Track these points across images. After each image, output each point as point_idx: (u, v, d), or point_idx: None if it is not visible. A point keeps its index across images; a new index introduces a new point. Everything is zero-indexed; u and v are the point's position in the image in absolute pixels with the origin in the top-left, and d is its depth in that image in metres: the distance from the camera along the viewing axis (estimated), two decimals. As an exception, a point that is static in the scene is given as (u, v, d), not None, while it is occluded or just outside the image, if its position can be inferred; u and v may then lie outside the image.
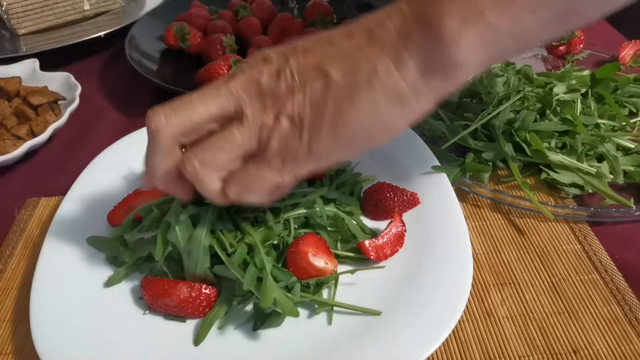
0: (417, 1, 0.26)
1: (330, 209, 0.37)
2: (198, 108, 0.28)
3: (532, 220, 0.41)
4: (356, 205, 0.40)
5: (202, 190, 0.29)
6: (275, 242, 0.35)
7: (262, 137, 0.27)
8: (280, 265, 0.34)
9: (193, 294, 0.33)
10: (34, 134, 0.52)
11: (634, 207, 0.40)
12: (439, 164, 0.42)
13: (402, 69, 0.26)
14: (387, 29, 0.26)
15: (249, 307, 0.34)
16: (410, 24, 0.26)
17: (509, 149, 0.44)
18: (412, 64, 0.25)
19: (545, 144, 0.45)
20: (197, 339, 0.32)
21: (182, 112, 0.28)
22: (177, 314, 0.33)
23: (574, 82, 0.51)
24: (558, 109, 0.47)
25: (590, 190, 0.42)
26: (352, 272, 0.35)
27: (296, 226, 0.36)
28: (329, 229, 0.37)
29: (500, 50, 0.26)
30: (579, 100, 0.48)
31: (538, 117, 0.47)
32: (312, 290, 0.34)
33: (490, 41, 0.25)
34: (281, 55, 0.28)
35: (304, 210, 0.36)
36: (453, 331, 0.33)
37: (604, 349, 0.32)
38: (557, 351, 0.32)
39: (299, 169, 0.28)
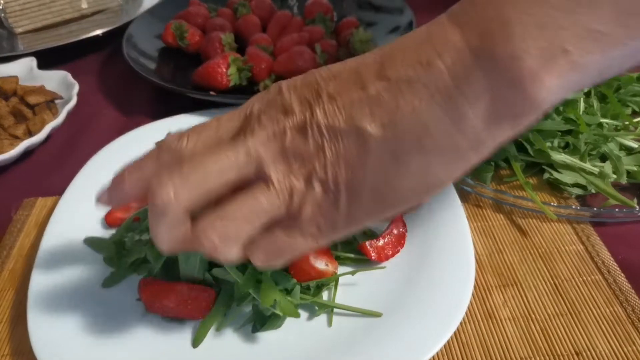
0: (475, 32, 0.20)
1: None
2: (212, 175, 0.23)
3: (534, 220, 0.41)
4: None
5: (220, 260, 0.25)
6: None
7: (292, 204, 0.23)
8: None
9: (191, 296, 0.33)
10: (31, 134, 0.52)
11: (637, 207, 0.40)
12: (440, 164, 0.42)
13: (460, 122, 0.21)
14: (435, 70, 0.21)
15: (248, 309, 0.33)
16: (469, 64, 0.20)
17: (511, 148, 0.44)
18: (473, 115, 0.20)
19: (548, 144, 0.44)
20: (196, 341, 0.32)
21: (193, 182, 0.23)
22: (175, 316, 0.33)
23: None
24: (561, 108, 0.47)
25: (593, 191, 0.42)
26: (352, 273, 0.34)
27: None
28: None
29: (578, 87, 0.21)
30: (581, 99, 0.48)
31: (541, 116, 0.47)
32: (312, 292, 0.33)
33: (572, 80, 0.20)
34: (304, 104, 0.23)
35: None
36: (455, 333, 0.32)
37: (607, 351, 0.31)
38: (559, 353, 0.31)
39: (337, 235, 0.24)
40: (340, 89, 0.23)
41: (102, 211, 0.40)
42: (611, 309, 0.34)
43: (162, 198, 0.23)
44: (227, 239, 0.24)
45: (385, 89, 0.22)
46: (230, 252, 0.24)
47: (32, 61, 0.61)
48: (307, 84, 0.24)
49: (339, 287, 0.34)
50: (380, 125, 0.21)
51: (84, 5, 0.76)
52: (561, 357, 0.31)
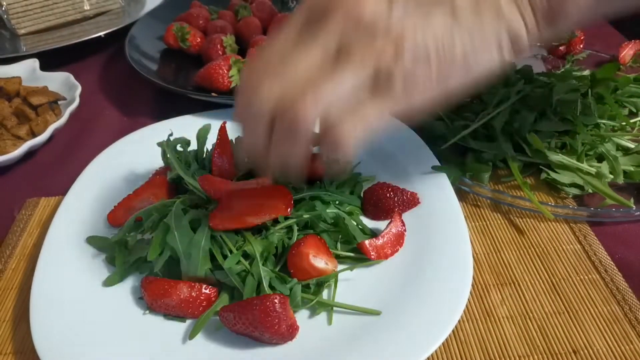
0: None
1: (331, 210, 0.37)
2: (339, 86, 0.26)
3: (532, 220, 0.41)
4: (356, 204, 0.40)
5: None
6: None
7: (380, 68, 0.26)
8: (280, 266, 0.34)
9: (193, 294, 0.33)
10: (34, 134, 0.52)
11: (634, 207, 0.40)
12: (439, 164, 0.42)
13: (522, 5, 0.27)
14: None
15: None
16: None
17: (508, 148, 0.44)
18: (528, 4, 0.27)
19: (545, 144, 0.45)
20: (192, 333, 0.32)
21: (325, 91, 0.26)
22: (177, 314, 0.33)
23: (574, 82, 0.51)
24: (558, 108, 0.47)
25: (590, 190, 0.42)
26: (350, 268, 0.35)
27: (298, 228, 0.36)
28: (329, 229, 0.37)
29: (595, 14, 0.29)
30: (579, 100, 0.48)
31: (538, 117, 0.47)
32: (312, 291, 0.34)
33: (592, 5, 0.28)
34: None
35: (307, 215, 0.36)
36: (453, 331, 0.33)
37: (604, 349, 0.32)
38: (557, 351, 0.32)
39: (423, 99, 0.28)
40: None
41: (104, 211, 0.41)
42: (608, 307, 0.34)
43: (305, 115, 0.26)
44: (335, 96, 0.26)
45: None
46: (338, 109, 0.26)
47: (34, 62, 0.62)
48: None
49: (338, 286, 0.35)
50: None
51: (87, 7, 0.77)
52: (558, 356, 0.31)
